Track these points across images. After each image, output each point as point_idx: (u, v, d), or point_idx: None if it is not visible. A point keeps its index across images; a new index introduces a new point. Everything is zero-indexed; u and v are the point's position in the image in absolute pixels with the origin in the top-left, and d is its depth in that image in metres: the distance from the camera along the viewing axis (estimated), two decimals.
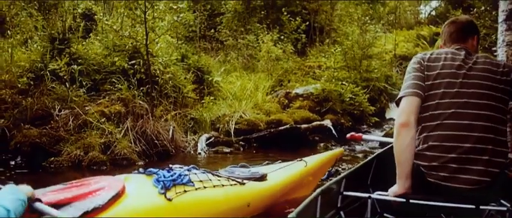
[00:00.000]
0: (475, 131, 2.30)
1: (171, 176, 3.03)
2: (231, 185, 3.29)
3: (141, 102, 7.60)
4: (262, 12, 13.51)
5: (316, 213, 2.53)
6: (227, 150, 8.34)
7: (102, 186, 2.72)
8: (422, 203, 2.37)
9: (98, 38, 8.89)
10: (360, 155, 8.59)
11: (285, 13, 13.12)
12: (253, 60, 12.28)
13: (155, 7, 7.98)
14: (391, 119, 12.29)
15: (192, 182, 3.12)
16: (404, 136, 2.39)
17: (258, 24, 12.81)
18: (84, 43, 8.48)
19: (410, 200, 2.40)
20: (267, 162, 4.70)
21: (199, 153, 7.96)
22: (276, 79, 11.41)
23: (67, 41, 7.95)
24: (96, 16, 9.14)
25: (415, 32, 19.11)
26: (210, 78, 9.91)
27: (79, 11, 10.36)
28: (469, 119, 2.31)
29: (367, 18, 13.43)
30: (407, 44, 18.05)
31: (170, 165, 3.43)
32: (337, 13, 15.41)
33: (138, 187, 2.97)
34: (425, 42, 17.57)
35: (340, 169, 6.28)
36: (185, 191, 3.00)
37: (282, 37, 12.53)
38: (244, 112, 9.27)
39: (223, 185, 3.25)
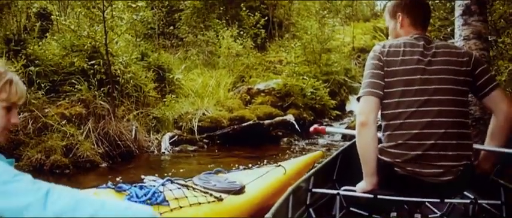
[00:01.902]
0: (438, 128, 2.31)
1: (145, 195, 2.87)
2: (209, 202, 3.16)
3: (102, 102, 7.47)
4: (221, 8, 13.44)
5: (288, 212, 2.55)
6: (191, 148, 8.31)
7: None
8: (388, 198, 2.40)
9: (54, 38, 8.67)
10: (323, 149, 8.69)
11: (244, 8, 13.11)
12: (213, 57, 12.23)
13: (113, 5, 7.84)
14: (351, 111, 12.50)
15: (167, 201, 2.97)
16: (365, 135, 2.41)
17: (218, 20, 12.74)
18: (40, 43, 8.25)
19: (378, 196, 2.43)
20: (243, 167, 4.57)
21: (163, 153, 7.90)
22: (237, 75, 11.40)
23: (23, 41, 7.72)
24: (52, 16, 8.89)
25: (372, 24, 19.34)
26: (171, 76, 9.82)
27: (33, 10, 10.08)
28: (431, 116, 2.31)
29: (326, 11, 13.54)
30: (364, 36, 18.28)
31: (142, 176, 3.28)
32: (295, 7, 15.47)
33: None
34: (382, 34, 17.82)
35: None
36: (160, 214, 2.80)
37: (242, 32, 12.51)
38: (207, 109, 9.25)
39: (200, 203, 3.11)
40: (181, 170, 6.68)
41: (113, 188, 2.90)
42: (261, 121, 9.07)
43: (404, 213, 2.50)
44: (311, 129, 4.09)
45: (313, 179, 2.93)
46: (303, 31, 13.12)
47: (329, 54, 12.82)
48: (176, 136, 8.39)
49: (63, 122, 6.93)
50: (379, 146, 2.48)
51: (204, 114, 9.08)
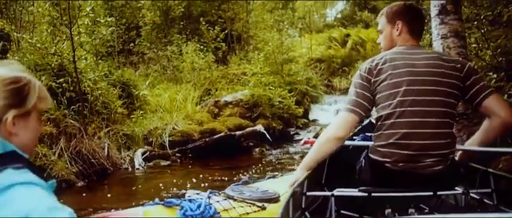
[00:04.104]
0: (426, 128, 2.36)
1: (198, 208, 2.81)
2: (255, 211, 3.14)
3: (72, 121, 7.29)
4: (181, 23, 13.40)
5: (289, 216, 2.55)
6: (165, 163, 8.24)
7: None
8: (383, 195, 2.46)
9: (16, 58, 8.40)
10: (296, 156, 8.78)
11: (203, 23, 13.13)
12: (176, 72, 12.15)
13: (80, 22, 7.70)
14: (315, 120, 12.69)
15: (218, 212, 2.93)
16: (331, 148, 2.55)
17: (178, 35, 12.68)
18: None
19: (372, 194, 2.48)
20: (268, 176, 4.53)
21: (138, 169, 7.78)
22: (203, 89, 11.36)
23: None
24: (16, 35, 8.59)
25: (326, 35, 19.72)
26: (137, 92, 9.69)
27: None
28: (419, 117, 2.36)
29: (286, 23, 13.73)
30: (319, 46, 18.63)
31: (184, 192, 3.22)
32: (253, 20, 15.60)
33: None
34: (337, 44, 18.21)
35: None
36: None
37: (202, 47, 12.50)
38: (176, 123, 9.16)
39: (247, 213, 3.09)
40: (160, 184, 6.61)
41: (162, 205, 2.81)
42: (232, 133, 9.07)
43: (399, 209, 2.53)
44: (301, 142, 4.12)
45: (306, 183, 2.95)
46: (264, 43, 13.24)
47: (290, 64, 12.99)
48: (148, 152, 8.27)
49: None
50: (370, 145, 2.56)
51: (173, 128, 8.99)
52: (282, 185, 3.59)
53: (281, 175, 4.56)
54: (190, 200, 2.86)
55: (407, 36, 2.60)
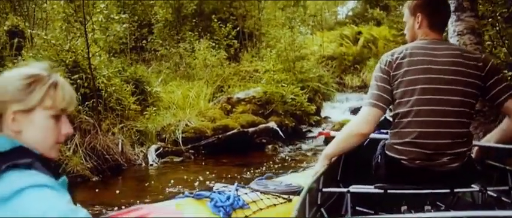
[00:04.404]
0: (444, 127, 2.34)
1: (228, 199, 2.85)
2: (281, 203, 3.18)
3: (86, 117, 7.35)
4: (194, 20, 13.45)
5: (306, 212, 2.56)
6: (178, 159, 8.27)
7: None
8: (399, 192, 2.43)
9: (30, 55, 8.48)
10: (309, 154, 8.79)
11: (215, 20, 13.16)
12: (188, 69, 12.20)
13: (94, 19, 7.75)
14: (327, 117, 12.69)
15: (247, 203, 2.98)
16: (351, 143, 2.53)
17: (190, 32, 12.73)
18: (15, 61, 8.06)
19: (388, 191, 2.46)
20: (291, 170, 4.56)
21: (151, 165, 7.82)
22: (216, 86, 11.40)
23: (1, 59, 7.55)
24: (30, 31, 8.68)
25: (337, 33, 19.63)
26: (150, 89, 9.74)
27: (4, 28, 9.84)
28: (435, 116, 2.34)
29: (298, 20, 13.73)
30: (331, 44, 18.58)
31: (212, 186, 3.25)
32: (264, 18, 15.62)
33: (198, 216, 2.72)
34: (349, 42, 18.14)
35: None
36: (246, 216, 2.82)
37: (214, 44, 12.55)
38: (189, 120, 9.20)
39: (275, 205, 3.14)
40: (171, 181, 6.65)
41: (192, 197, 2.84)
42: (245, 130, 9.09)
43: (415, 206, 2.49)
44: (317, 133, 4.10)
45: (322, 179, 2.96)
46: (276, 40, 13.25)
47: (302, 61, 12.98)
48: (161, 148, 8.32)
49: None
50: (386, 142, 2.54)
51: (186, 125, 9.03)
52: (304, 179, 3.61)
53: (303, 170, 4.56)
54: (219, 192, 2.89)
55: (427, 30, 2.55)
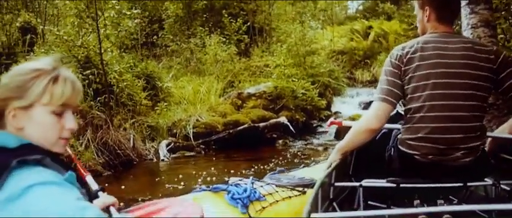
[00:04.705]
0: (456, 121, 2.33)
1: (245, 192, 2.89)
2: (296, 196, 3.21)
3: (98, 112, 7.40)
4: (204, 16, 13.46)
5: (318, 207, 2.56)
6: (189, 154, 8.31)
7: (178, 212, 2.50)
8: (412, 186, 2.43)
9: (42, 50, 8.54)
10: (319, 148, 8.78)
11: (226, 15, 13.16)
12: (199, 64, 12.23)
13: (106, 14, 7.79)
14: (338, 112, 12.66)
15: (263, 196, 3.02)
16: (363, 138, 2.52)
17: (201, 28, 12.76)
18: (27, 57, 8.12)
19: (401, 185, 2.46)
20: (303, 165, 4.57)
21: (162, 160, 7.86)
22: (226, 81, 11.42)
23: (13, 55, 7.61)
24: (43, 27, 8.73)
25: (347, 27, 19.55)
26: (161, 84, 9.78)
27: (17, 25, 9.92)
28: (448, 110, 2.33)
29: (309, 14, 13.71)
30: (341, 39, 18.53)
31: (227, 179, 3.25)
32: (275, 13, 15.60)
33: (216, 209, 2.76)
34: (359, 36, 18.07)
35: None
36: (263, 207, 2.86)
37: (225, 39, 12.57)
38: (200, 115, 9.23)
39: (290, 197, 3.17)
40: (182, 176, 6.67)
41: (209, 190, 2.88)
42: (256, 125, 9.10)
43: (427, 201, 2.46)
44: (328, 122, 4.11)
45: (334, 174, 2.95)
46: (286, 35, 13.23)
47: (312, 56, 12.96)
48: (173, 144, 8.36)
49: None
50: (399, 137, 2.53)
51: (197, 120, 9.06)
52: (316, 173, 3.62)
53: (314, 164, 4.56)
54: (236, 185, 2.92)
55: (436, 23, 2.52)
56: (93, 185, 1.78)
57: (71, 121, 1.45)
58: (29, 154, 1.27)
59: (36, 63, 1.42)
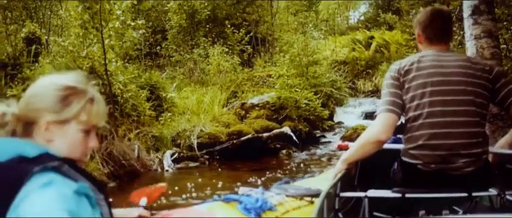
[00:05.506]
0: (456, 127, 2.36)
1: (257, 202, 2.93)
2: (305, 205, 3.25)
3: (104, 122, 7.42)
4: (207, 26, 13.54)
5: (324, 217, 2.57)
6: (193, 164, 8.32)
7: None
8: (417, 197, 2.44)
9: (47, 61, 8.60)
10: (323, 159, 8.80)
11: (229, 26, 13.23)
12: (202, 74, 12.28)
13: (110, 25, 7.84)
14: (340, 122, 12.68)
15: (274, 205, 3.05)
16: (372, 149, 2.51)
17: (204, 38, 12.83)
18: (32, 68, 8.17)
19: (406, 195, 2.46)
20: (308, 175, 4.60)
21: (167, 170, 7.88)
22: (230, 91, 11.46)
23: (19, 65, 7.66)
24: (47, 37, 8.80)
25: (349, 37, 19.63)
26: (164, 95, 9.82)
27: (22, 35, 9.99)
28: (448, 116, 2.36)
29: (311, 25, 13.77)
30: (343, 49, 18.59)
31: (236, 190, 3.31)
32: (277, 23, 15.68)
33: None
34: (361, 46, 18.13)
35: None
36: (276, 217, 2.90)
37: (228, 49, 12.63)
38: (204, 125, 9.25)
39: (299, 207, 3.20)
40: (188, 186, 6.68)
41: (222, 201, 2.92)
42: (259, 135, 9.11)
43: (432, 211, 2.49)
44: (336, 146, 4.12)
45: (340, 185, 2.97)
46: (289, 45, 13.29)
47: (315, 66, 13.01)
48: (177, 154, 8.38)
49: None
50: (401, 148, 2.55)
51: (201, 130, 9.07)
52: (322, 182, 3.64)
53: (319, 174, 4.59)
54: (247, 196, 2.97)
55: (426, 44, 2.63)
56: None
57: (94, 140, 1.50)
58: (48, 161, 1.29)
59: (66, 79, 1.46)
